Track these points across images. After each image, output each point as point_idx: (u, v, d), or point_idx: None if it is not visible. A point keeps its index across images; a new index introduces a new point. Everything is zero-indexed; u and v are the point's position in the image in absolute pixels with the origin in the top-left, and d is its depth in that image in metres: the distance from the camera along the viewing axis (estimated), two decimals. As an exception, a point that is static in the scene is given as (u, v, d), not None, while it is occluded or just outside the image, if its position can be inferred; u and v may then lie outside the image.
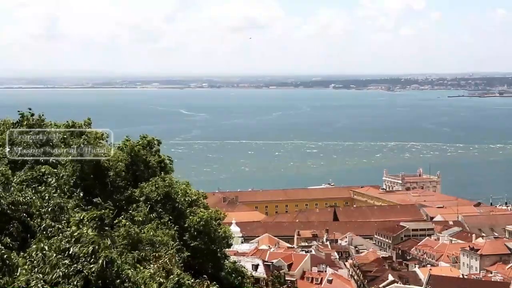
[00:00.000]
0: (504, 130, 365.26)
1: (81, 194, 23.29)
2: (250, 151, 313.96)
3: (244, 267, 32.78)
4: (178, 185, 27.97)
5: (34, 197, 19.95)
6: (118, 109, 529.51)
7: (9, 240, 17.06)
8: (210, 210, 28.34)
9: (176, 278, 18.18)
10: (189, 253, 25.73)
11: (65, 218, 19.32)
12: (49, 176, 23.68)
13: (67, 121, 28.09)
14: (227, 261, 29.94)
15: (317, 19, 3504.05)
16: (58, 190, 22.43)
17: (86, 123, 28.37)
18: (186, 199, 27.65)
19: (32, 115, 28.19)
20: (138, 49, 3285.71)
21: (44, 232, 17.67)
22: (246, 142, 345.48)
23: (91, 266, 14.60)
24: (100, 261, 14.69)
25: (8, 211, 18.45)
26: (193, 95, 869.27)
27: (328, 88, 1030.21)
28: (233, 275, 29.35)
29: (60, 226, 17.91)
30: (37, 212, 19.22)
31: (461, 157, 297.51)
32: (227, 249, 30.45)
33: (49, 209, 19.67)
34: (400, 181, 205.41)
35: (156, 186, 26.67)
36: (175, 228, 25.12)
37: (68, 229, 16.65)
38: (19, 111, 28.71)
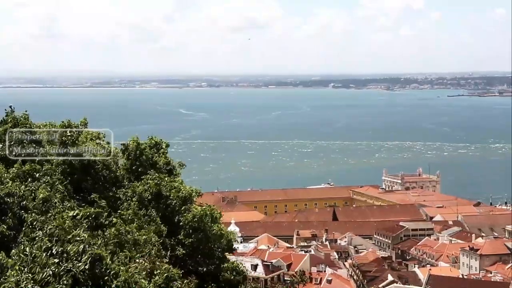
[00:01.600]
0: (504, 129, 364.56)
1: (70, 189, 23.25)
2: (249, 150, 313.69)
3: (244, 266, 32.30)
4: (171, 183, 27.55)
5: (26, 191, 20.12)
6: (118, 108, 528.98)
7: (5, 228, 17.16)
8: (204, 207, 27.75)
9: (166, 274, 17.85)
10: (183, 251, 25.51)
11: (52, 212, 19.20)
12: (36, 172, 23.67)
13: (63, 121, 27.79)
14: (227, 262, 29.40)
15: (317, 19, 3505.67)
16: (45, 185, 22.41)
17: (82, 123, 28.01)
18: (179, 195, 27.15)
19: (13, 112, 27.91)
20: (137, 48, 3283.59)
21: (31, 226, 17.51)
22: (245, 141, 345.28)
23: (79, 264, 14.49)
24: (88, 260, 14.57)
25: (4, 202, 18.56)
26: (192, 94, 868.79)
27: (328, 88, 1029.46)
28: (233, 273, 28.86)
29: (45, 219, 17.68)
30: (29, 205, 19.32)
31: (461, 157, 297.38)
32: (228, 252, 29.95)
33: (36, 204, 19.70)
34: (399, 181, 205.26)
35: (148, 184, 26.48)
36: (162, 225, 24.82)
37: (54, 222, 16.46)
38: (13, 108, 28.43)
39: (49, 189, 21.64)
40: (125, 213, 24.03)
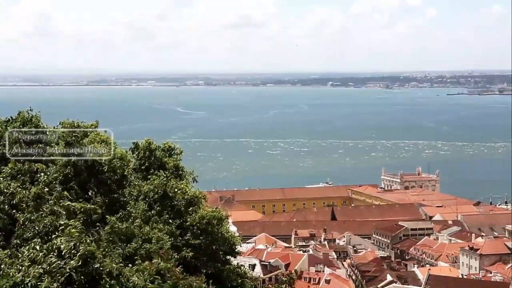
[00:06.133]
0: (504, 128, 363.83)
1: (76, 189, 22.99)
2: (247, 149, 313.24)
3: (245, 268, 31.85)
4: (177, 184, 27.38)
5: (18, 189, 19.75)
6: (114, 107, 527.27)
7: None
8: (211, 209, 27.83)
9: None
10: (191, 253, 25.30)
11: (47, 210, 18.69)
12: (39, 172, 23.30)
13: (72, 121, 27.43)
14: (230, 264, 29.25)
15: (313, 17, 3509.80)
16: (42, 184, 21.94)
17: (94, 126, 27.72)
18: (185, 197, 27.03)
19: (28, 113, 27.76)
20: (133, 47, 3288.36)
21: (23, 226, 17.26)
22: (243, 140, 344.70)
23: (72, 262, 14.27)
24: (80, 257, 14.34)
25: None
26: (189, 93, 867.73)
27: (326, 86, 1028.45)
28: (235, 275, 28.50)
29: (37, 217, 17.53)
30: (21, 204, 19.00)
31: (461, 156, 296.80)
32: (232, 256, 29.56)
33: (29, 200, 19.31)
34: (398, 180, 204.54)
35: (154, 184, 26.42)
36: (174, 225, 24.99)
37: (46, 220, 16.36)
38: (26, 110, 28.31)
39: (42, 186, 21.10)
40: (134, 211, 24.14)
